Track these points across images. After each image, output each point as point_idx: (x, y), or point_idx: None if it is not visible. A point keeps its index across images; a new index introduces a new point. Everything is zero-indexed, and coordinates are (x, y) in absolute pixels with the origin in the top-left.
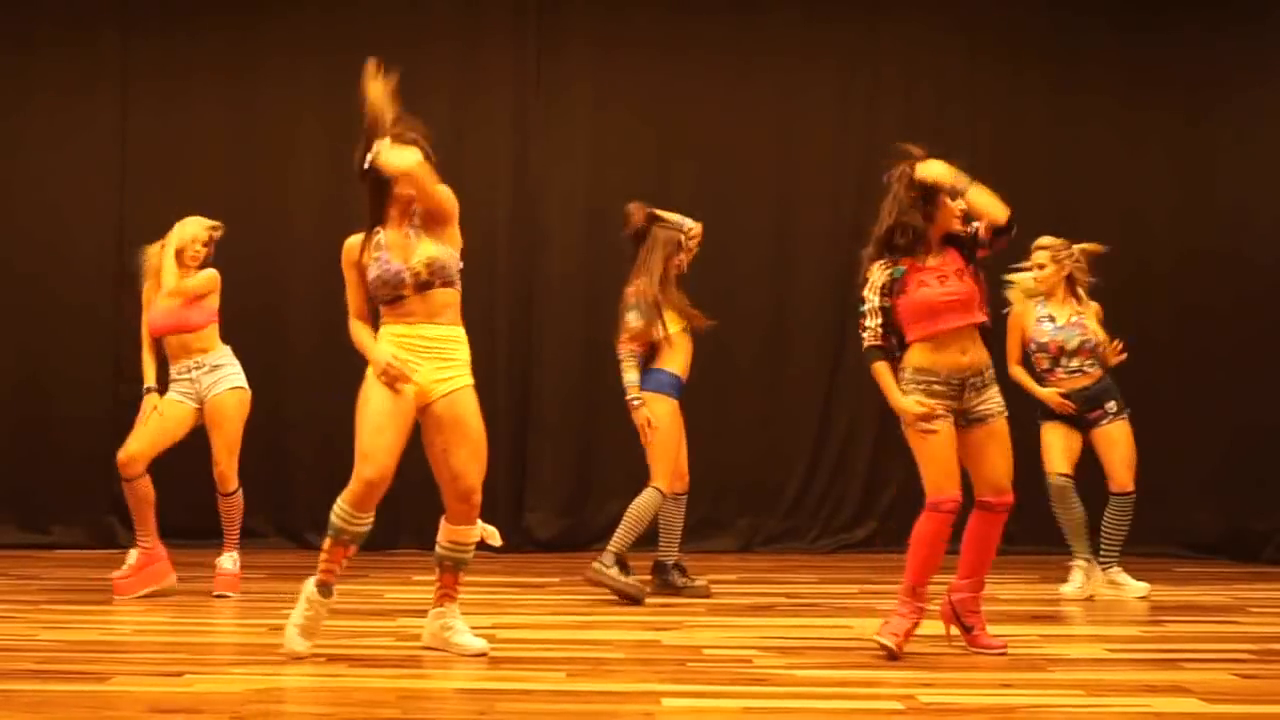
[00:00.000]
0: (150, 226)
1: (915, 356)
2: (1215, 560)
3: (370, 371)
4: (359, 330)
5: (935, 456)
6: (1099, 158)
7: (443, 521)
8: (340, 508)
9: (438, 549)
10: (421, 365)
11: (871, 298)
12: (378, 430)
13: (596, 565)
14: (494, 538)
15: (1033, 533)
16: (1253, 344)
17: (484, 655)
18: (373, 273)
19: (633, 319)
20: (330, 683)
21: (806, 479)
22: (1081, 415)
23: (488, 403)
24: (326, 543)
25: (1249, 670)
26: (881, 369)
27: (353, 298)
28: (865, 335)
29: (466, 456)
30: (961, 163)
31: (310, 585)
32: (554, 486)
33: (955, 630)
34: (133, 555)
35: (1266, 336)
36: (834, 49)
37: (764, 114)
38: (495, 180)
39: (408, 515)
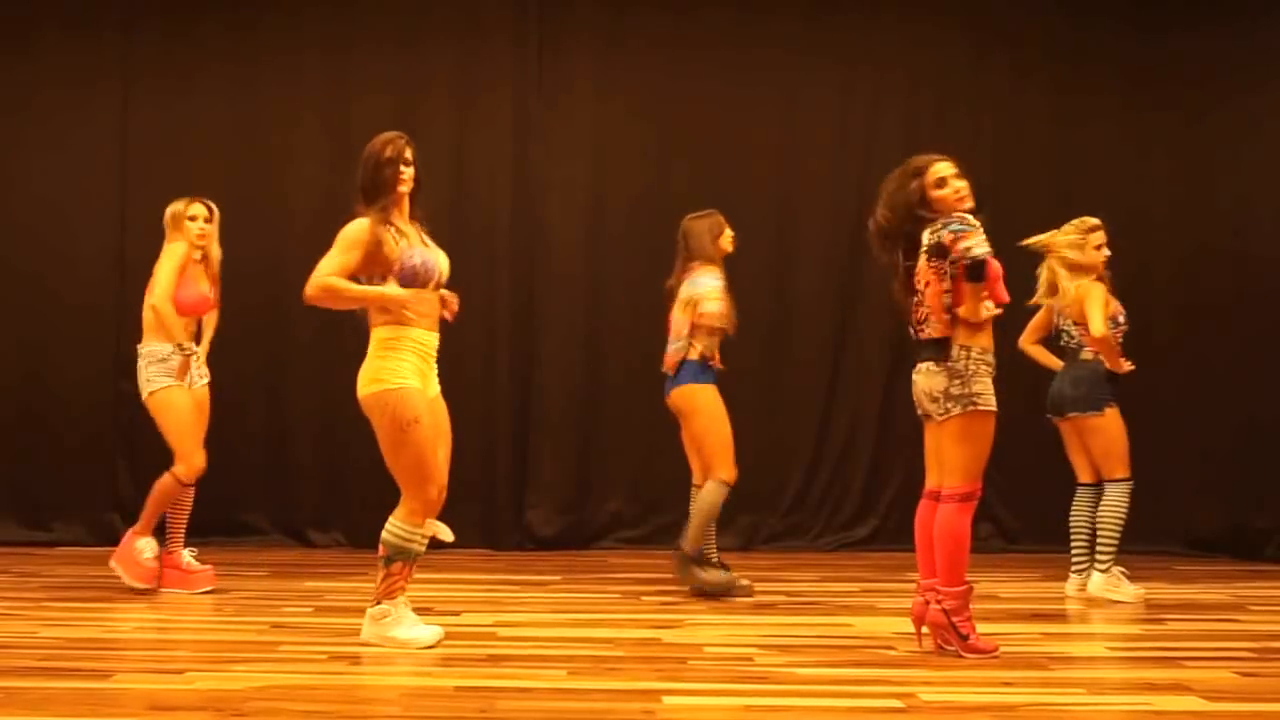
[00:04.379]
0: (151, 224)
1: (981, 335)
2: (1216, 558)
3: (408, 385)
4: (342, 283)
5: (989, 445)
6: (1101, 157)
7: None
8: (401, 528)
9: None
10: (428, 375)
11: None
12: (433, 450)
13: (683, 574)
14: (446, 533)
15: (1034, 532)
16: (1254, 342)
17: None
18: (416, 259)
19: (710, 301)
20: (331, 680)
21: (808, 476)
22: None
23: (489, 400)
24: (396, 565)
25: (1249, 668)
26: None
27: (341, 267)
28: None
29: (445, 455)
30: (962, 162)
31: (384, 605)
32: (555, 484)
33: (929, 630)
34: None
35: (1268, 334)
36: (835, 48)
37: (765, 112)
38: (496, 178)
39: None
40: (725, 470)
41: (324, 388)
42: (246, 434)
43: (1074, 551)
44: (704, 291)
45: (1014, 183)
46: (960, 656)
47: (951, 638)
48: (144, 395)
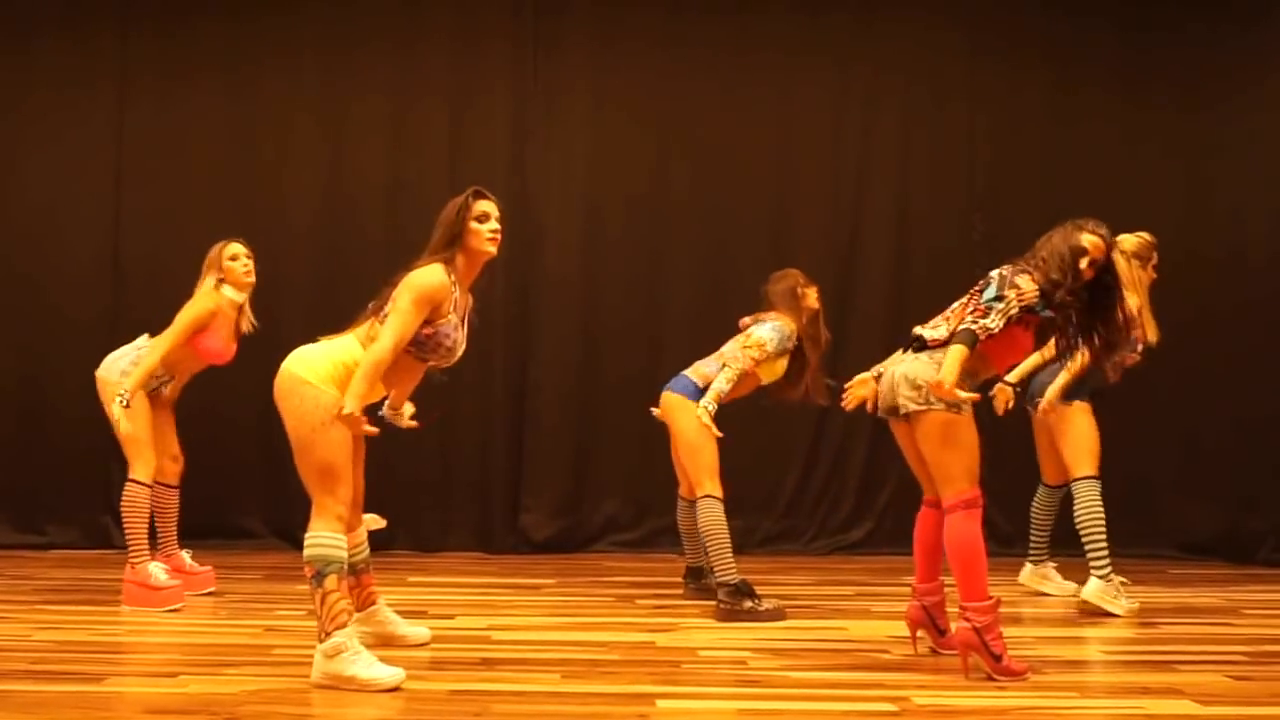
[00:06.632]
0: (147, 225)
1: (971, 360)
2: (1210, 562)
3: (330, 392)
4: (381, 370)
5: (977, 447)
6: (1098, 156)
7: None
8: (324, 536)
9: (357, 556)
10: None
11: (1013, 305)
12: (347, 456)
13: (723, 606)
14: (377, 521)
15: (1028, 535)
16: (1249, 344)
17: (426, 644)
18: (444, 330)
19: (770, 341)
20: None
21: (803, 480)
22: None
23: (484, 403)
24: (329, 581)
25: (1242, 672)
26: (965, 353)
27: (408, 331)
28: (980, 325)
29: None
30: (957, 161)
31: (336, 638)
32: (550, 487)
33: (923, 634)
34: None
35: (1262, 337)
36: (832, 48)
37: (762, 113)
38: (493, 179)
39: (404, 516)
40: (713, 486)
41: None
42: (240, 437)
43: (1032, 544)
44: (758, 338)
45: (1009, 182)
46: (991, 679)
47: (984, 658)
48: (115, 382)
